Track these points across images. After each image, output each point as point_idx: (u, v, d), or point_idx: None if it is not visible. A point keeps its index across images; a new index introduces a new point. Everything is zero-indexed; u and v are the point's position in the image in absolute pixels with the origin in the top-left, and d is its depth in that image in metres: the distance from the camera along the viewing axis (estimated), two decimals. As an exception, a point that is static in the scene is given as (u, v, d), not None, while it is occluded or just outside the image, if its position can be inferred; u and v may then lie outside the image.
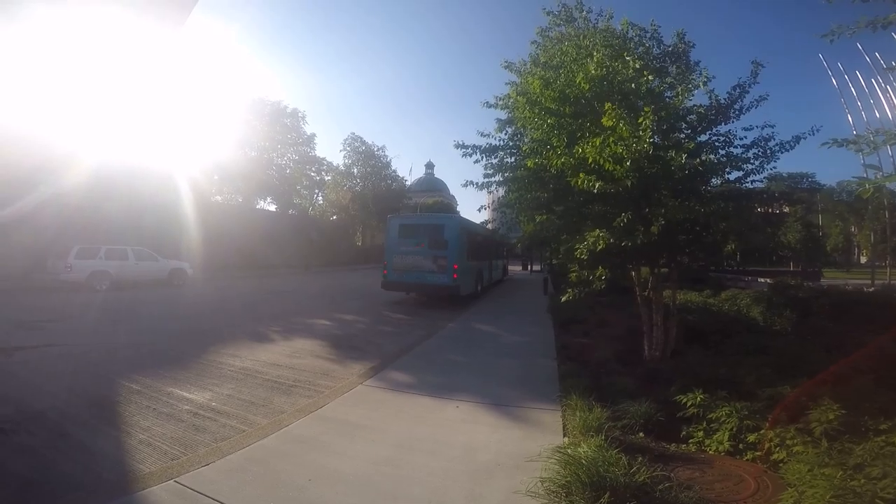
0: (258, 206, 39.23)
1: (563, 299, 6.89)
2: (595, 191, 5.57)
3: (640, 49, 6.79)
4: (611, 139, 5.39)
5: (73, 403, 4.89)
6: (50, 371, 6.11)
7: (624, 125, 5.27)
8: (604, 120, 5.48)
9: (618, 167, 5.37)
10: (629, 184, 5.54)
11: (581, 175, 5.62)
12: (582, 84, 5.93)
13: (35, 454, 3.71)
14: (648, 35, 6.94)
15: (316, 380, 6.12)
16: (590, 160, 5.50)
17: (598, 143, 5.40)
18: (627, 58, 6.01)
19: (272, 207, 40.73)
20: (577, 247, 6.03)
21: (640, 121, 5.26)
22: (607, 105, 5.50)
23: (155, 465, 3.54)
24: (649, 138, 5.20)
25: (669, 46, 6.91)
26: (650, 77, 5.91)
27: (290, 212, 41.31)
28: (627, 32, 6.87)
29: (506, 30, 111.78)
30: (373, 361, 7.01)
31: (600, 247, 5.66)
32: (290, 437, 4.13)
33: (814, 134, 6.03)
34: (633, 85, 5.88)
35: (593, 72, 5.90)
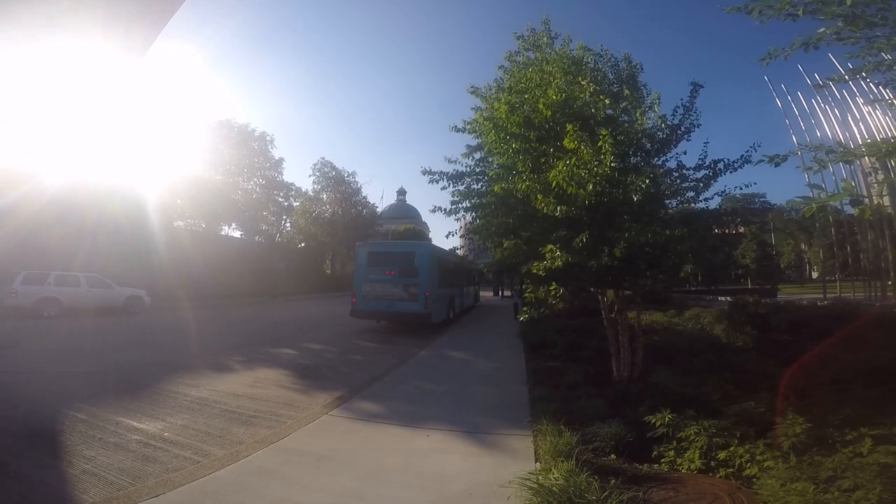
0: (223, 233, 38.15)
1: (520, 318, 6.93)
2: (557, 214, 5.64)
3: (597, 75, 7.04)
4: (573, 161, 5.49)
5: (11, 433, 4.55)
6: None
7: (585, 148, 5.39)
8: (565, 142, 5.59)
9: (581, 191, 5.46)
10: (586, 204, 5.60)
11: (539, 196, 5.67)
12: (544, 110, 6.07)
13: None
14: (604, 60, 7.24)
15: (278, 410, 5.82)
16: (553, 184, 5.57)
17: (561, 168, 5.48)
18: (583, 82, 6.20)
19: (238, 234, 39.72)
20: (535, 264, 6.04)
21: (598, 144, 5.39)
22: (568, 126, 5.62)
23: (99, 496, 3.29)
24: (610, 162, 5.33)
25: (622, 70, 7.22)
26: (606, 101, 6.08)
27: (256, 238, 40.32)
28: (584, 58, 7.14)
29: (479, 56, 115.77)
30: (340, 391, 6.74)
31: (557, 264, 5.68)
32: (249, 468, 3.87)
33: (756, 150, 6.25)
34: (592, 109, 6.05)
35: (553, 97, 6.06)
